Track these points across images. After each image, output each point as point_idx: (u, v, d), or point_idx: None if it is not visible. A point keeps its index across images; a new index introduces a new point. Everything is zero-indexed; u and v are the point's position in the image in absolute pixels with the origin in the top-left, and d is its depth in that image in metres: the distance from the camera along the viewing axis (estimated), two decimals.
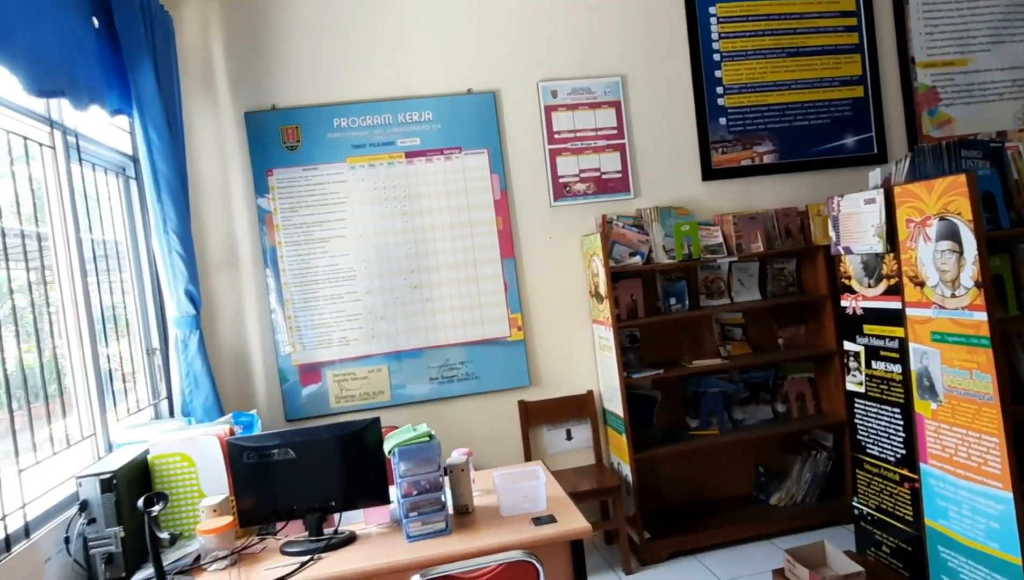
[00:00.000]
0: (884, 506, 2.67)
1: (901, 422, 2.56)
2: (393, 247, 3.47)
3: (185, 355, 2.89)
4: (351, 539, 2.10)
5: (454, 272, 3.52)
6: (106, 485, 1.97)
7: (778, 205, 3.79)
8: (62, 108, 2.43)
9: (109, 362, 2.61)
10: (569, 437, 3.66)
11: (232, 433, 2.30)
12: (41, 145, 2.35)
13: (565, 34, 3.64)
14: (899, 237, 2.48)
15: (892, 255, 2.52)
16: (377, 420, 2.18)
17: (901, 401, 2.55)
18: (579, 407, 3.62)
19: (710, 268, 3.72)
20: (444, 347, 3.51)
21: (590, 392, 3.63)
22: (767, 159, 3.83)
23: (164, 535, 1.91)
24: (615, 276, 3.49)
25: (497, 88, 3.58)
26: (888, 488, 2.64)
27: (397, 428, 2.28)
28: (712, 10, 3.76)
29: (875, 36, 3.92)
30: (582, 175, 3.65)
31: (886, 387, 2.61)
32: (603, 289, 3.38)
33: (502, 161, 3.57)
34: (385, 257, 3.47)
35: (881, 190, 2.55)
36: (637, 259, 3.53)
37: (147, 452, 2.23)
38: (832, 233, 2.82)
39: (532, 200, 3.62)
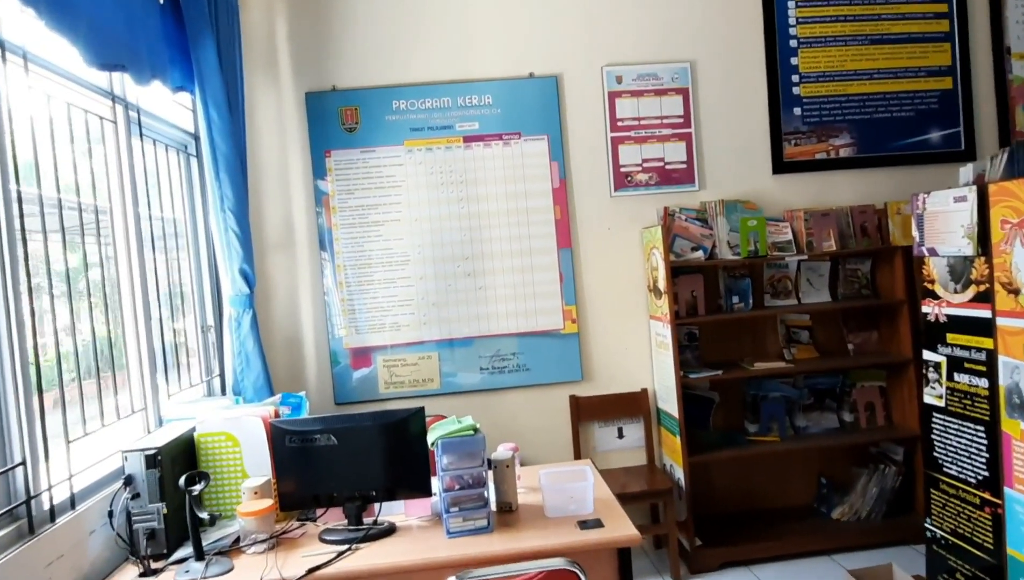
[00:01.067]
0: (961, 530, 2.47)
1: (985, 441, 2.36)
2: (448, 233, 3.41)
3: (238, 334, 2.90)
4: (391, 530, 2.04)
5: (509, 261, 3.43)
6: (151, 461, 1.96)
7: (854, 202, 3.58)
8: (125, 83, 2.44)
9: (163, 338, 2.63)
10: (620, 435, 3.54)
11: (277, 414, 2.28)
12: (103, 119, 2.37)
13: (632, 17, 3.50)
14: (992, 239, 2.27)
15: (983, 259, 2.31)
16: (421, 410, 2.12)
17: (986, 418, 2.34)
18: (632, 405, 3.50)
19: (777, 266, 3.54)
20: (496, 337, 3.43)
21: (644, 390, 3.51)
22: (844, 152, 3.61)
23: (204, 515, 1.90)
24: (675, 271, 3.35)
25: (560, 72, 3.47)
26: (966, 511, 2.44)
27: (444, 418, 2.21)
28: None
29: (967, 24, 3.65)
30: (645, 165, 3.51)
31: (969, 402, 2.41)
32: (662, 284, 3.25)
33: (562, 148, 3.46)
34: (440, 243, 3.41)
35: (973, 188, 2.34)
36: (699, 254, 3.37)
37: (193, 430, 2.23)
38: (915, 233, 2.62)
39: (592, 189, 3.50)
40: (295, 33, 3.37)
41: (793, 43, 3.57)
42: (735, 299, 3.46)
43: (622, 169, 3.50)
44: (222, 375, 3.06)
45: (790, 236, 3.46)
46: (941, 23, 3.64)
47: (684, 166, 3.53)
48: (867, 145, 3.62)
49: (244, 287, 2.87)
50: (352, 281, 3.38)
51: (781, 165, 3.58)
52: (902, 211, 3.39)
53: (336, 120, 3.37)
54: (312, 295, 3.40)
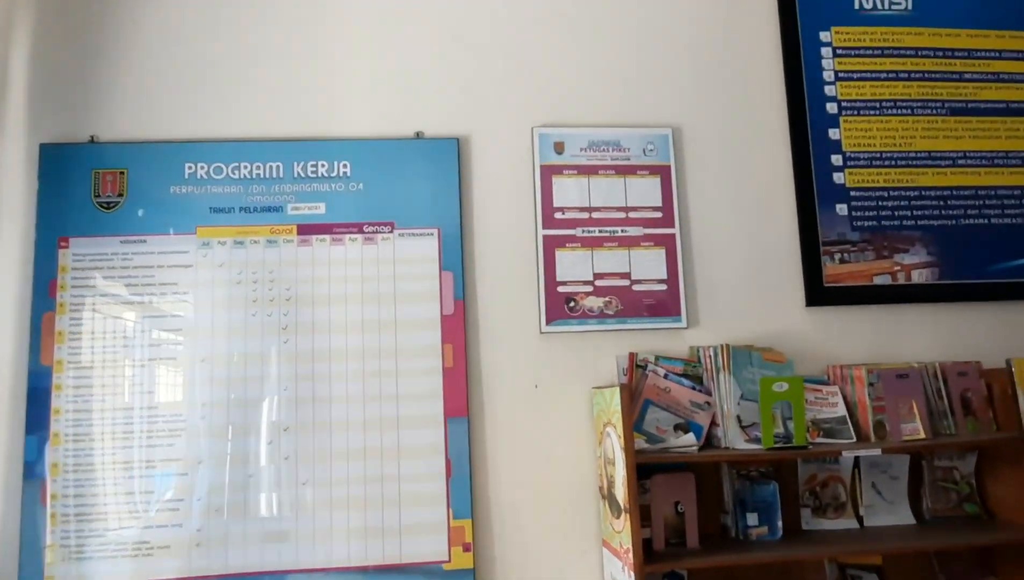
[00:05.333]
0: None
1: None
2: (257, 385, 1.98)
3: None
4: None
5: (360, 436, 1.98)
6: None
7: (940, 355, 2.19)
8: None
9: None
10: None
11: None
12: None
13: (583, 58, 2.26)
14: None
15: None
16: None
17: None
18: None
19: (822, 462, 2.08)
20: (326, 574, 1.92)
21: None
22: (918, 276, 2.25)
23: None
24: (647, 469, 1.90)
25: (465, 133, 2.18)
26: None
27: None
28: (825, 36, 2.34)
29: None
30: (599, 283, 2.14)
31: None
32: (621, 492, 1.78)
33: (461, 251, 2.10)
34: (241, 401, 1.97)
35: None
36: (688, 438, 1.92)
37: None
38: None
39: (509, 319, 2.11)
40: (39, 55, 2.10)
41: (832, 107, 2.30)
42: (752, 519, 1.97)
43: (561, 288, 2.12)
44: None
45: (843, 410, 2.03)
46: None
47: (663, 288, 2.15)
48: (956, 265, 2.27)
49: None
50: (76, 464, 1.91)
51: (820, 293, 2.21)
52: None
53: (87, 188, 2.03)
54: (4, 481, 1.91)
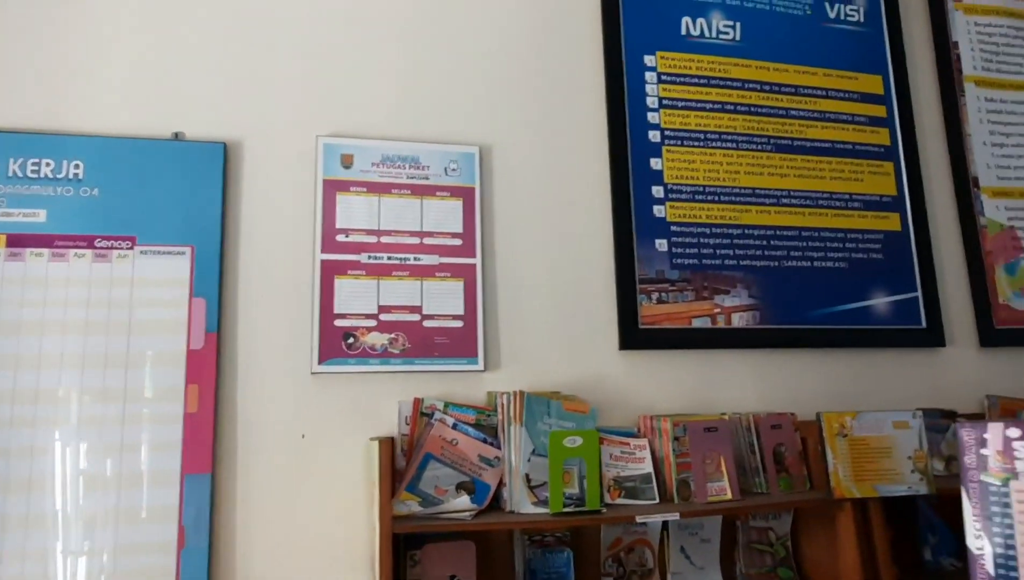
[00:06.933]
0: None
1: None
2: None
3: None
4: None
5: (72, 497, 1.60)
6: None
7: (760, 406, 2.03)
8: None
9: None
10: None
11: None
12: None
13: (384, 64, 2.00)
14: None
15: None
16: None
17: None
18: None
19: (627, 525, 1.86)
20: None
21: None
22: (739, 320, 2.10)
23: None
24: (415, 539, 1.61)
25: (236, 138, 1.87)
26: None
27: None
28: (650, 60, 2.19)
29: (915, 138, 2.36)
30: (384, 317, 1.86)
31: None
32: (377, 568, 1.49)
33: (219, 274, 1.77)
34: None
35: None
36: (462, 501, 1.65)
37: None
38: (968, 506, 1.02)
39: (273, 356, 1.79)
40: None
41: (655, 135, 2.14)
42: None
43: (339, 321, 1.82)
44: None
45: (649, 467, 1.82)
46: (878, 132, 2.34)
47: (459, 325, 1.90)
48: (777, 309, 2.13)
49: None
50: None
51: (635, 335, 2.01)
52: (848, 430, 1.84)
53: None
54: None
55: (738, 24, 2.27)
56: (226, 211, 1.81)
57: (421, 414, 1.80)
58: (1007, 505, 0.84)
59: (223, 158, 1.83)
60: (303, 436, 1.77)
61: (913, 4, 2.52)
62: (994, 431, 0.89)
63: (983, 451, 0.89)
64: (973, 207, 2.37)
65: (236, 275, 1.80)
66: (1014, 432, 0.87)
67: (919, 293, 2.24)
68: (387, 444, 1.52)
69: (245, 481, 1.72)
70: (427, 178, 1.95)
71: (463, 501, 1.62)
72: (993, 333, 2.29)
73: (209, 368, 1.72)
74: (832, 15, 2.38)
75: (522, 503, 1.67)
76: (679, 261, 2.08)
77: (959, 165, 2.39)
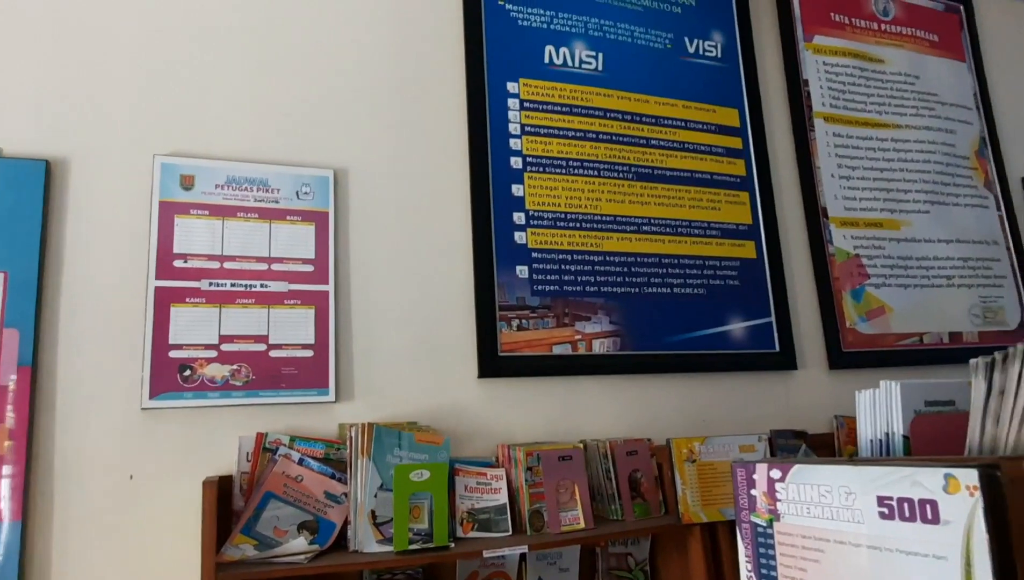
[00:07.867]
0: None
1: None
2: None
3: None
4: None
5: None
6: None
7: (620, 432, 2.05)
8: None
9: None
10: None
11: None
12: None
13: (231, 81, 1.92)
14: None
15: None
16: None
17: None
18: None
19: (482, 560, 1.82)
20: None
21: None
22: (600, 346, 2.11)
23: None
24: None
25: (60, 155, 1.73)
26: None
27: None
28: (513, 87, 2.19)
29: (769, 169, 2.47)
30: (226, 347, 1.75)
31: None
32: None
33: (37, 302, 1.63)
34: None
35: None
36: (298, 543, 1.56)
37: None
38: (741, 547, 1.02)
39: (97, 391, 1.65)
40: None
41: (517, 162, 2.14)
42: None
43: (175, 353, 1.71)
44: None
45: (505, 498, 1.79)
46: (735, 163, 2.43)
47: (309, 354, 1.82)
48: (637, 335, 2.16)
49: None
50: None
51: (494, 363, 1.98)
52: (695, 454, 1.87)
53: None
54: None
55: (600, 55, 2.32)
56: (47, 235, 1.67)
57: (264, 449, 1.70)
58: (771, 547, 0.85)
59: (44, 177, 1.69)
60: (131, 477, 1.64)
61: (767, 42, 2.65)
62: (761, 472, 0.90)
63: (752, 492, 0.90)
64: (822, 236, 2.49)
65: (57, 304, 1.66)
66: (776, 473, 0.88)
67: (772, 318, 2.33)
68: (212, 485, 1.42)
69: (63, 529, 1.57)
70: (277, 201, 1.86)
71: (299, 543, 1.53)
72: (841, 356, 2.40)
73: (21, 405, 1.57)
74: (691, 50, 2.46)
75: (367, 542, 1.60)
76: (540, 288, 2.08)
77: (809, 196, 2.52)
